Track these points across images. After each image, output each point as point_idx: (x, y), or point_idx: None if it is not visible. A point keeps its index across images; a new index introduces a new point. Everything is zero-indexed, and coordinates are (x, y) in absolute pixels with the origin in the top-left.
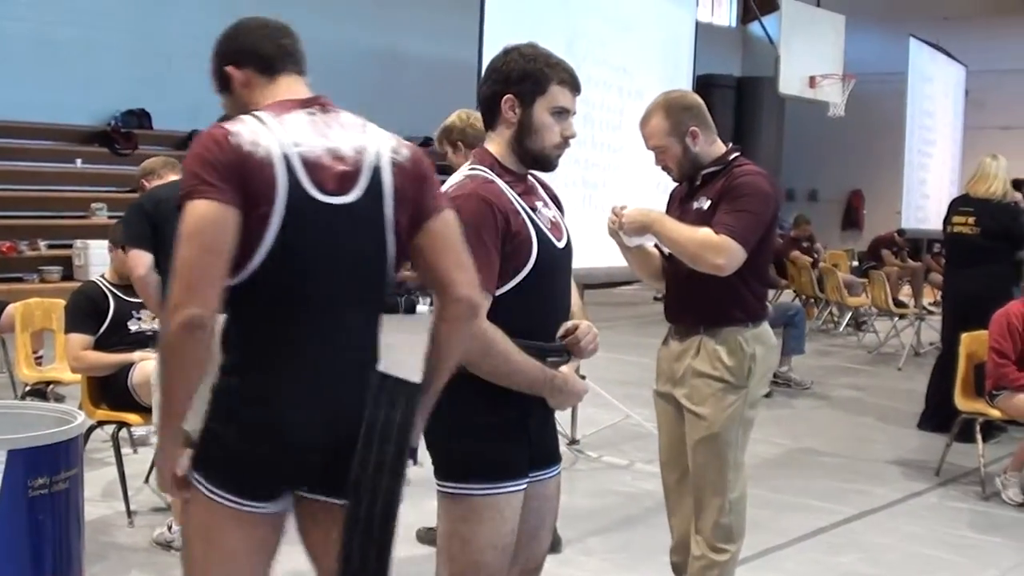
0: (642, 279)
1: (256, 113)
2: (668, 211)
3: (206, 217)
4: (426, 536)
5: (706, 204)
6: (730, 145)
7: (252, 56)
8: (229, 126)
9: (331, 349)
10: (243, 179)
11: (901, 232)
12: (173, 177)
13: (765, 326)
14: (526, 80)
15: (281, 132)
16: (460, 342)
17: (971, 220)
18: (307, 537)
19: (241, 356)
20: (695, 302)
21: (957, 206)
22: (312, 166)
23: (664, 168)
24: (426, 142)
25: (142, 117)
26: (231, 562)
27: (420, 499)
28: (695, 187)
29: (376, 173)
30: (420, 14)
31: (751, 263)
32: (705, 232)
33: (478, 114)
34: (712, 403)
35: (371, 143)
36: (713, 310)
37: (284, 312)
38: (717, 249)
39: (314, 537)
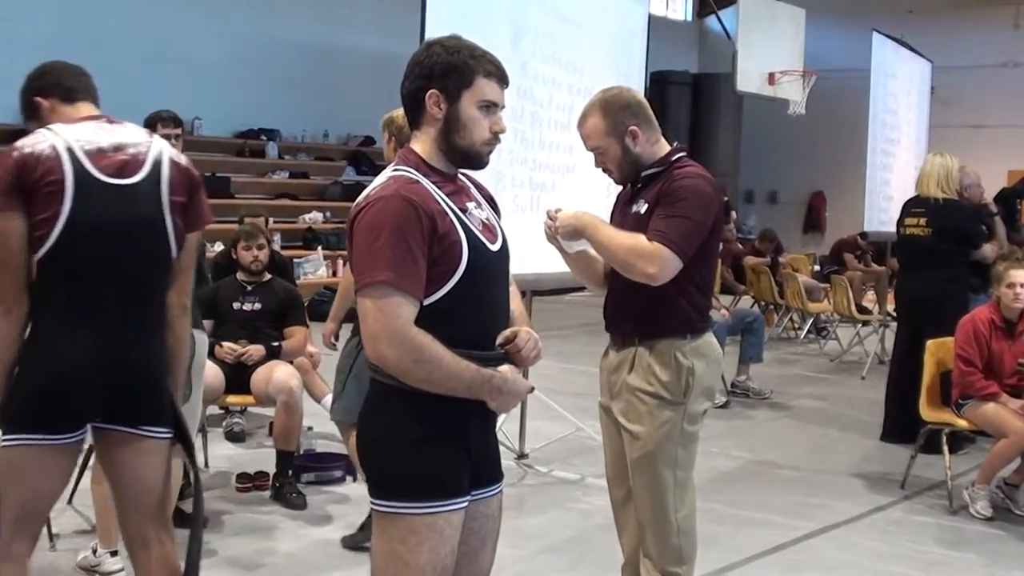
0: (586, 286)
1: (48, 126)
2: (612, 215)
3: None
4: (350, 541)
5: (643, 208)
6: (675, 144)
7: (57, 88)
8: (16, 143)
9: (120, 303)
10: (21, 175)
11: (864, 235)
12: None
13: (707, 338)
14: (450, 74)
15: (67, 133)
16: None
17: (923, 221)
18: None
19: (42, 316)
20: (631, 312)
21: (909, 207)
22: (95, 155)
23: (605, 170)
24: (367, 141)
25: None
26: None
27: (355, 516)
28: (637, 190)
29: (157, 164)
30: (360, 7)
31: (690, 272)
32: (636, 239)
33: None
34: (647, 420)
35: (155, 143)
36: (649, 321)
37: (81, 272)
38: (649, 257)
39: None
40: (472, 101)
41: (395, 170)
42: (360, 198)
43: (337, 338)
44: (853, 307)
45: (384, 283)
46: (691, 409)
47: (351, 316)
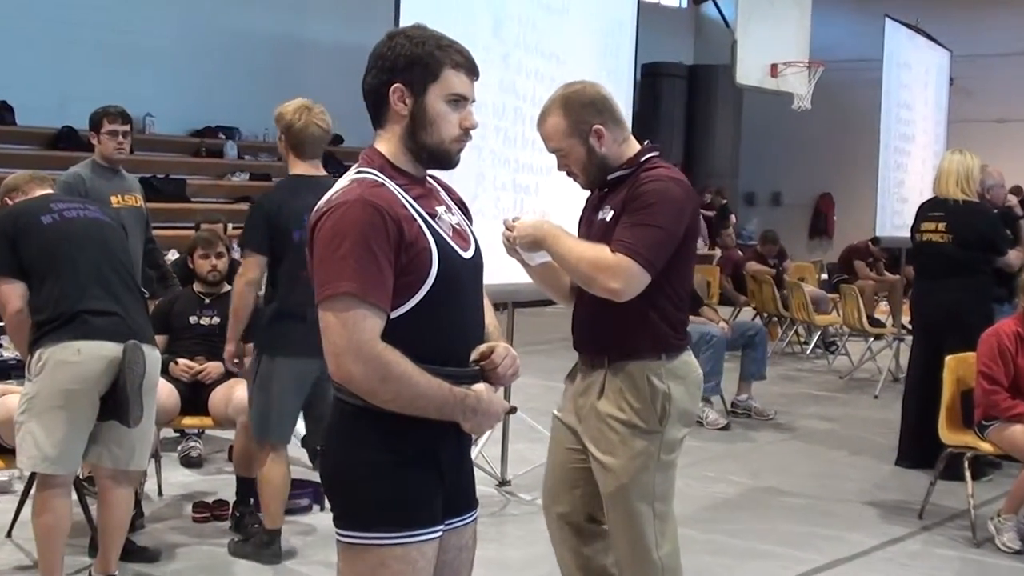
0: (555, 300)
1: None
2: (579, 223)
3: None
4: (235, 549)
5: (609, 215)
6: (645, 143)
7: None
8: None
9: None
10: None
11: (876, 241)
12: (40, 192)
13: (684, 357)
14: (415, 66)
15: None
16: None
17: (941, 226)
18: None
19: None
20: (599, 331)
21: (926, 210)
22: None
23: (569, 174)
24: (334, 140)
25: (4, 111)
26: None
27: (320, 549)
28: (604, 194)
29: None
30: None
31: (662, 285)
32: (599, 251)
33: (319, 109)
34: (620, 451)
35: None
36: (618, 340)
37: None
38: (612, 271)
39: None
40: (439, 95)
41: (358, 172)
42: (320, 203)
43: (240, 360)
44: (864, 319)
45: (348, 294)
46: (668, 437)
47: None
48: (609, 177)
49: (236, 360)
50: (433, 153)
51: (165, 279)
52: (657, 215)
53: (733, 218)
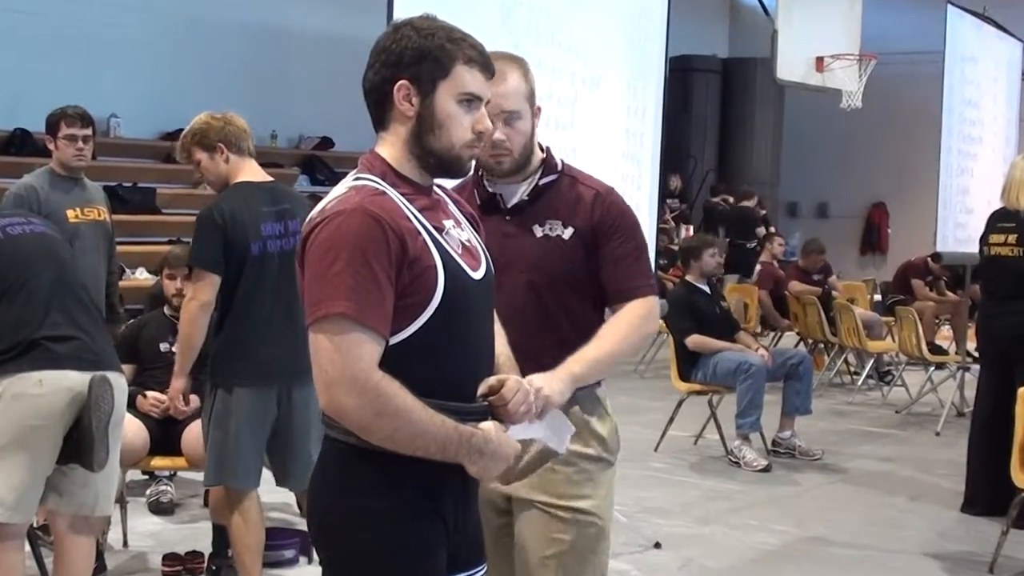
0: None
1: None
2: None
3: None
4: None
5: (566, 232)
6: (544, 147)
7: None
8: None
9: None
10: None
11: (937, 257)
12: None
13: None
14: (423, 60)
15: None
16: None
17: (1011, 239)
18: None
19: None
20: (548, 356)
21: (995, 221)
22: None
23: (495, 156)
24: (323, 143)
25: None
26: None
27: None
28: (522, 204)
29: None
30: None
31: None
32: (627, 319)
33: (232, 114)
34: (592, 490)
35: None
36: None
37: None
38: (652, 317)
39: None
40: (450, 94)
41: (356, 179)
42: (314, 213)
43: (188, 400)
44: (924, 346)
45: (342, 316)
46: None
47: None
48: (542, 182)
49: (184, 401)
50: (442, 159)
51: (110, 311)
52: (641, 234)
53: (763, 229)
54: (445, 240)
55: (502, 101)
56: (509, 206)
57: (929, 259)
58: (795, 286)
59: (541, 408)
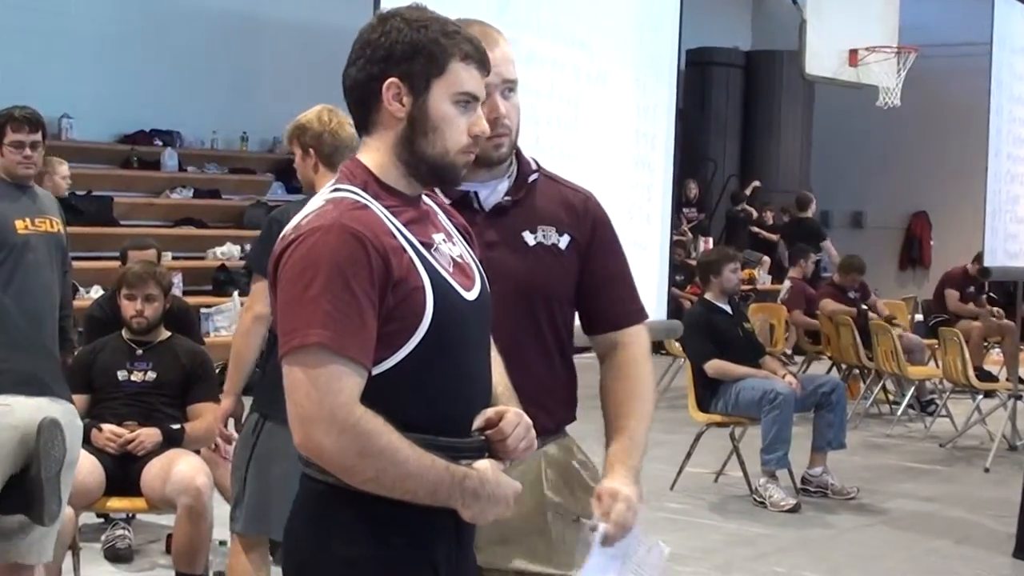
0: None
1: None
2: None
3: None
4: None
5: (562, 240)
6: None
7: None
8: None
9: None
10: None
11: (984, 272)
12: None
13: None
14: (416, 56)
15: None
16: None
17: None
18: None
19: None
20: (536, 392)
21: None
22: None
23: (494, 138)
24: None
25: None
26: None
27: None
28: (504, 206)
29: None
30: None
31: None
32: (642, 354)
33: (345, 117)
34: (575, 548)
35: None
36: (559, 406)
37: None
38: (648, 356)
39: None
40: (445, 93)
41: (335, 190)
42: (288, 228)
43: (239, 424)
44: (971, 371)
45: (319, 346)
46: None
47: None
48: (530, 179)
49: (228, 424)
50: (435, 166)
51: (62, 336)
52: (622, 251)
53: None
54: (434, 257)
55: (502, 68)
56: (487, 208)
57: (968, 267)
58: (828, 304)
59: (628, 521)
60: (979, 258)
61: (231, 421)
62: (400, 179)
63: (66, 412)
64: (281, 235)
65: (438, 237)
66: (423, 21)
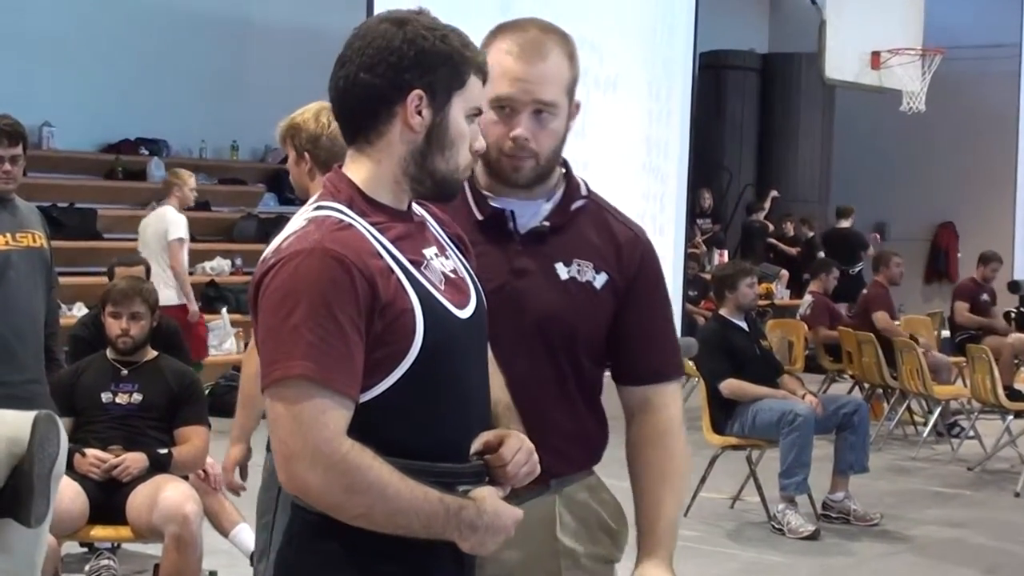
0: None
1: None
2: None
3: None
4: None
5: (598, 279)
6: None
7: None
8: None
9: None
10: None
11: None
12: None
13: None
14: (441, 67)
15: None
16: None
17: None
18: None
19: None
20: (550, 438)
21: None
22: None
23: (514, 158)
24: None
25: None
26: None
27: None
28: (541, 231)
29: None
30: None
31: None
32: (674, 419)
33: None
34: None
35: None
36: (587, 444)
37: None
38: (681, 421)
39: None
40: (462, 108)
41: (317, 208)
42: (268, 251)
43: (245, 472)
44: (1000, 391)
45: (301, 378)
46: None
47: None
48: (573, 206)
49: (241, 473)
50: (443, 182)
51: (48, 356)
52: (668, 298)
53: (872, 250)
54: (424, 275)
55: (536, 87)
56: (523, 231)
57: (976, 275)
58: (880, 317)
59: None
60: (984, 259)
61: (237, 469)
62: (389, 193)
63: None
64: (261, 258)
65: (429, 252)
66: (442, 30)
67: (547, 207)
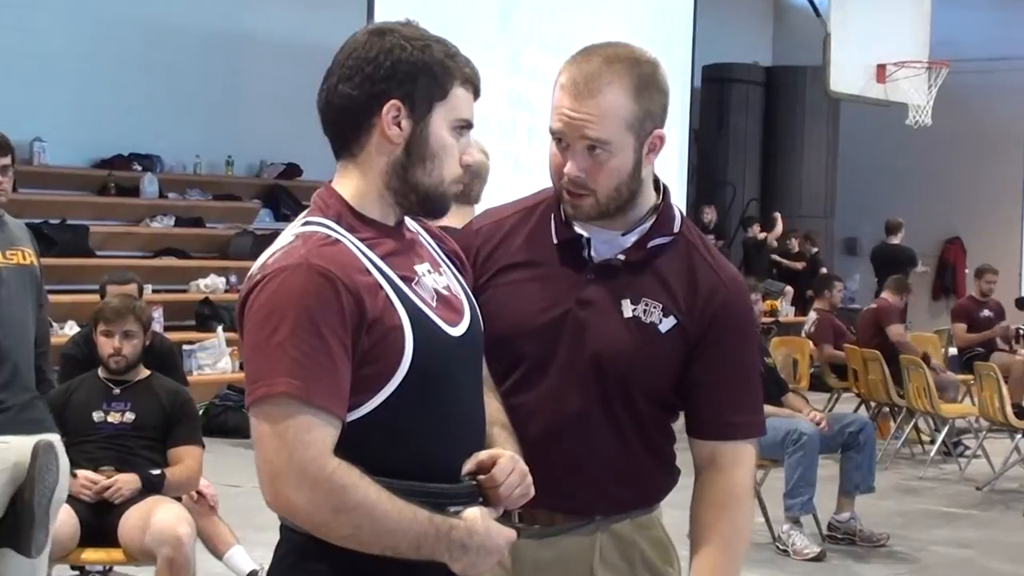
0: None
1: None
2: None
3: None
4: None
5: (665, 322)
6: (662, 187)
7: None
8: None
9: None
10: None
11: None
12: None
13: None
14: (419, 77)
15: None
16: None
17: None
18: None
19: None
20: (595, 474)
21: None
22: None
23: (572, 195)
24: (289, 171)
25: None
26: None
27: None
28: (615, 265)
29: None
30: None
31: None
32: (739, 498)
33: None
34: None
35: None
36: (646, 482)
37: None
38: (753, 475)
39: None
40: (445, 119)
41: (305, 223)
42: (254, 268)
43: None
44: (1008, 409)
45: (287, 396)
46: None
47: None
48: (653, 243)
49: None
50: (427, 197)
51: (38, 376)
52: (755, 352)
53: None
54: (415, 292)
55: (586, 124)
56: (596, 261)
57: (974, 292)
58: (895, 331)
59: None
60: (979, 273)
61: None
62: (379, 208)
63: (57, 444)
64: (248, 275)
65: (421, 268)
66: (424, 40)
67: (628, 239)
